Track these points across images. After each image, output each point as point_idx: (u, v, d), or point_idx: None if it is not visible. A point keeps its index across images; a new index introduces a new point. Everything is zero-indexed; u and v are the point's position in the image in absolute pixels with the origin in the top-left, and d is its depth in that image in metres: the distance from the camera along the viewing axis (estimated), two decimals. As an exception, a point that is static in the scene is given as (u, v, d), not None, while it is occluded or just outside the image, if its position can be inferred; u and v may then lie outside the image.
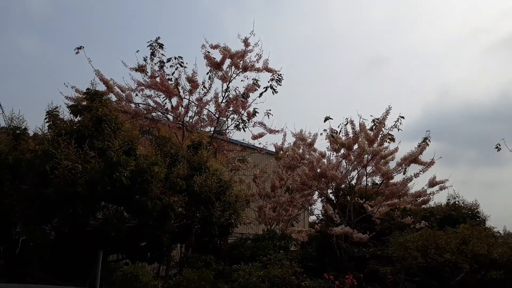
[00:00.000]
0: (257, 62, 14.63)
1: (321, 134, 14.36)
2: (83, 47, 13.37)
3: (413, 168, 13.07)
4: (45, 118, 9.01)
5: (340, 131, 14.11)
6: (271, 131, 14.89)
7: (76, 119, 9.11)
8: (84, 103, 9.59)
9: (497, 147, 8.45)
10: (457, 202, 15.20)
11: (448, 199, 15.76)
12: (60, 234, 8.36)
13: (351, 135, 13.72)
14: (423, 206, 13.74)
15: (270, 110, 15.11)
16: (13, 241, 8.63)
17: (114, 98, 13.20)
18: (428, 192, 12.83)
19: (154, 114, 14.20)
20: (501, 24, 62.95)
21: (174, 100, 14.25)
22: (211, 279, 7.57)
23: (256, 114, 15.10)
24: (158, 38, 14.64)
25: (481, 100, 56.60)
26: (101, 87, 12.58)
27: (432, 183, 12.90)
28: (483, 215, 14.61)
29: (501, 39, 62.18)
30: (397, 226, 12.98)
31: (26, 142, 8.11)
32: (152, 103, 14.04)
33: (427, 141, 13.18)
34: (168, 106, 14.25)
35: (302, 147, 14.69)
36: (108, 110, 9.05)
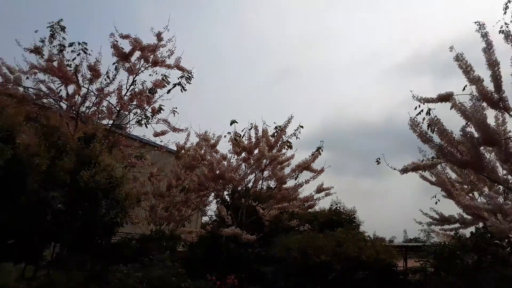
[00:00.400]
0: (169, 58, 14.30)
1: (225, 136, 14.69)
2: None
3: (305, 175, 14.10)
4: None
5: (244, 135, 14.59)
6: (174, 130, 14.70)
7: None
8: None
9: (377, 161, 9.38)
10: (338, 208, 16.67)
11: (331, 205, 17.24)
12: None
13: (253, 139, 14.26)
14: (309, 210, 14.79)
15: (176, 108, 14.94)
16: None
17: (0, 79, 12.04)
18: (315, 197, 13.90)
19: (45, 100, 13.18)
20: (396, 52, 70.11)
21: (71, 88, 13.39)
22: (81, 281, 7.29)
23: (162, 111, 14.80)
24: (61, 20, 13.61)
25: (370, 119, 62.72)
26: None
27: (319, 189, 13.99)
28: (359, 221, 16.28)
29: (395, 65, 69.23)
30: (284, 228, 13.78)
31: None
32: (44, 89, 13.02)
33: (320, 150, 14.24)
34: (63, 93, 13.34)
35: (204, 148, 14.82)
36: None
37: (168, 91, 14.91)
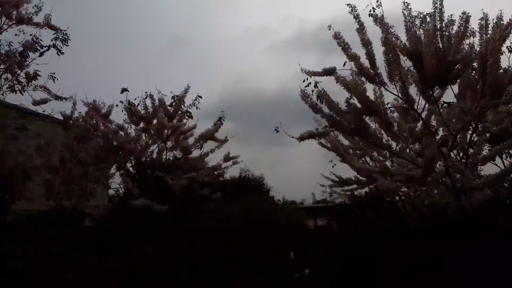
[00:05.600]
0: (36, 15, 12.26)
1: (117, 105, 13.64)
2: None
3: (210, 145, 14.04)
4: None
5: (139, 104, 13.74)
6: (57, 98, 12.78)
7: None
8: None
9: (276, 130, 9.60)
10: (247, 175, 17.16)
11: (241, 173, 17.67)
12: None
13: (150, 109, 13.56)
14: (220, 178, 14.83)
15: (54, 73, 13.02)
16: None
17: None
18: (223, 166, 13.93)
19: None
20: (282, 27, 73.78)
21: None
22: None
23: (38, 76, 12.76)
24: None
25: (268, 90, 65.69)
26: None
27: (226, 158, 14.10)
28: (268, 186, 17.06)
29: (284, 40, 72.92)
30: (195, 197, 13.55)
31: None
32: None
33: (222, 120, 14.32)
34: None
35: (96, 117, 13.51)
36: None
37: (41, 54, 12.92)
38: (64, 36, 13.15)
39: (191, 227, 11.10)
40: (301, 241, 11.64)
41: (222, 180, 15.58)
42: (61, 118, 13.27)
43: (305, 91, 8.60)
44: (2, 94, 12.63)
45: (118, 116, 13.87)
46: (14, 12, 11.77)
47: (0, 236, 8.18)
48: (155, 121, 13.67)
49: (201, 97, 14.52)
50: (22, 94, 12.65)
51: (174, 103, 14.04)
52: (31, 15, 11.97)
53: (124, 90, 13.96)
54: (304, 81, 8.67)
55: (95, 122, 13.53)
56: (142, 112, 13.70)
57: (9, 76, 12.45)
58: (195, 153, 13.96)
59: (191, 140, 14.19)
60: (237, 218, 11.40)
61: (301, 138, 9.17)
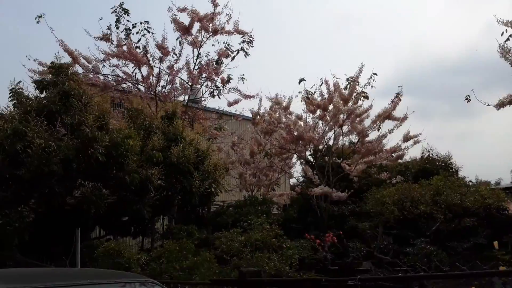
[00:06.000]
0: (227, 23, 14.18)
1: (296, 96, 14.37)
2: (44, 15, 12.62)
3: (388, 125, 13.32)
4: (9, 97, 8.58)
5: (315, 92, 14.14)
6: (246, 97, 14.72)
7: (42, 95, 8.71)
8: (49, 76, 9.14)
9: (467, 99, 8.59)
10: (431, 155, 15.67)
11: (423, 153, 16.26)
12: (38, 216, 8.19)
13: (326, 95, 13.75)
14: (399, 161, 14.12)
15: (243, 75, 14.90)
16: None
17: (80, 70, 12.69)
18: (402, 147, 13.17)
19: (124, 85, 13.75)
20: None
21: (144, 70, 13.79)
22: (193, 248, 7.65)
23: (231, 80, 14.87)
24: (122, 3, 13.92)
25: (448, 54, 57.30)
26: (66, 59, 12.01)
27: (406, 138, 13.20)
28: (456, 166, 15.17)
29: None
30: (374, 182, 13.33)
31: (-9, 123, 7.72)
32: (121, 74, 13.57)
33: (400, 96, 13.37)
34: (139, 76, 13.82)
35: (278, 111, 14.67)
36: (76, 83, 8.67)
37: (232, 58, 14.90)
38: (250, 38, 14.94)
39: (372, 213, 11.05)
40: (501, 226, 10.17)
41: (402, 162, 14.81)
42: (250, 115, 15.04)
43: (505, 45, 7.36)
44: (204, 100, 15.36)
45: (298, 107, 14.81)
46: (210, 25, 14.05)
47: (203, 224, 10.12)
48: (331, 107, 13.86)
49: (376, 74, 14.04)
50: (219, 98, 15.10)
51: (348, 86, 14.00)
52: (223, 24, 14.09)
53: (301, 80, 14.71)
54: (502, 34, 7.45)
55: (277, 115, 14.73)
56: (318, 99, 14.12)
57: (209, 83, 15.01)
58: (372, 135, 13.52)
59: (367, 122, 13.83)
60: (423, 202, 10.72)
61: (500, 105, 8.04)
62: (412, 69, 62.38)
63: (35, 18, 12.58)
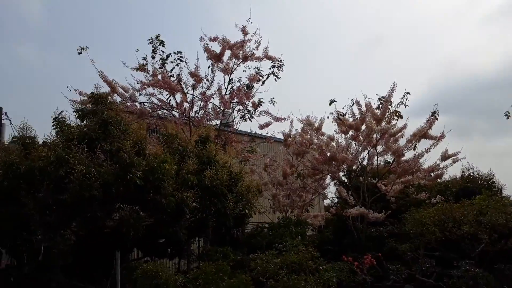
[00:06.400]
0: (257, 50, 14.62)
1: (328, 117, 14.34)
2: (87, 48, 13.39)
3: (424, 144, 12.98)
4: (52, 125, 9.08)
5: (346, 112, 14.07)
6: (277, 119, 14.91)
7: (83, 124, 9.17)
8: (89, 105, 9.63)
9: (506, 115, 8.29)
10: (472, 174, 15.06)
11: (463, 172, 15.64)
12: (80, 238, 8.48)
13: (358, 116, 13.64)
14: (438, 180, 13.65)
15: (274, 98, 15.16)
16: (35, 249, 8.78)
17: (118, 99, 13.28)
18: (441, 166, 12.71)
19: (159, 112, 14.25)
20: None
21: (178, 97, 14.30)
22: (228, 270, 7.65)
23: (262, 103, 15.14)
24: (158, 35, 14.61)
25: (486, 69, 55.43)
26: (105, 89, 12.66)
27: (444, 157, 12.78)
28: (499, 185, 14.47)
29: (498, 7, 60.64)
30: (412, 202, 12.91)
31: (36, 150, 8.18)
32: (156, 101, 14.10)
33: (436, 115, 13.04)
34: (173, 102, 14.32)
35: (309, 132, 14.66)
36: (114, 112, 9.08)
37: (263, 83, 15.23)
38: (280, 63, 15.24)
39: (412, 234, 10.68)
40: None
41: (441, 182, 14.30)
42: (282, 137, 15.15)
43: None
44: (236, 124, 15.63)
45: (329, 128, 14.77)
46: (241, 52, 14.49)
47: (238, 246, 10.11)
48: (363, 127, 13.74)
49: (409, 93, 13.78)
50: (251, 121, 15.35)
51: (380, 105, 13.85)
52: (253, 51, 14.50)
53: (332, 101, 14.70)
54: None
55: (309, 136, 14.73)
56: (350, 120, 14.05)
57: (240, 107, 15.32)
58: (408, 154, 13.18)
59: (402, 142, 13.55)
60: (466, 222, 10.26)
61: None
62: (446, 87, 60.80)
63: (77, 50, 13.36)
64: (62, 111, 9.37)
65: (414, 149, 13.02)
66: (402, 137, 13.42)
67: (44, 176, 7.63)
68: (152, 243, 9.15)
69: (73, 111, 9.48)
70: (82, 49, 13.33)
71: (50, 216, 7.63)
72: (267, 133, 15.36)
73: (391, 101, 13.37)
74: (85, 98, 11.72)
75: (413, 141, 13.06)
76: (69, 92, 12.78)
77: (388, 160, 14.22)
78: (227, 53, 14.38)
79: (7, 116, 16.68)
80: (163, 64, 14.49)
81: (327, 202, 18.52)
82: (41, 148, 8.20)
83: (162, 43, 14.51)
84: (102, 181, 7.55)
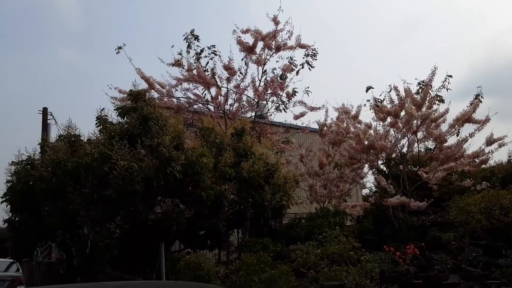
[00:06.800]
0: (289, 39, 14.48)
1: (365, 105, 13.95)
2: (124, 45, 13.77)
3: (467, 128, 12.43)
4: (96, 123, 9.45)
5: (384, 99, 13.65)
6: (312, 109, 14.74)
7: (123, 120, 9.47)
8: (129, 102, 9.91)
9: None
10: (520, 158, 14.32)
11: (510, 156, 14.89)
12: (124, 232, 8.82)
13: (396, 102, 13.21)
14: (483, 166, 13.05)
15: (308, 87, 15.00)
16: (83, 242, 9.22)
17: (156, 95, 13.60)
18: (486, 151, 12.12)
19: (195, 106, 14.46)
20: None
21: (213, 90, 14.45)
22: (270, 261, 7.71)
23: (295, 93, 15.02)
24: (193, 30, 14.75)
25: None
26: (143, 85, 12.98)
27: (489, 141, 12.17)
28: (552, 169, 13.64)
29: None
30: (456, 190, 12.43)
31: (82, 147, 8.54)
32: (192, 96, 14.31)
33: (480, 97, 12.43)
34: (208, 97, 14.49)
35: (346, 120, 14.39)
36: (152, 108, 9.32)
37: (297, 73, 15.06)
38: (313, 51, 15.03)
39: (456, 222, 10.31)
40: None
41: (486, 168, 13.66)
42: (317, 126, 14.97)
43: None
44: (271, 115, 15.61)
45: (366, 115, 14.43)
46: (273, 42, 14.41)
47: (277, 237, 10.17)
48: (402, 113, 13.34)
49: (451, 76, 13.23)
50: (286, 112, 15.27)
51: (420, 90, 13.38)
52: (285, 40, 14.38)
53: (368, 88, 14.31)
54: None
55: (345, 125, 14.47)
56: (388, 106, 13.65)
57: (275, 98, 15.27)
58: (451, 140, 12.68)
59: (444, 127, 13.03)
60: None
61: None
62: (489, 69, 57.93)
63: (115, 49, 13.78)
64: (104, 109, 9.74)
65: (457, 135, 12.46)
66: (444, 122, 12.87)
67: (89, 173, 7.98)
68: (193, 235, 9.39)
69: (114, 109, 9.82)
70: (120, 48, 13.73)
71: (96, 210, 7.97)
72: (302, 123, 15.26)
73: (431, 85, 12.83)
74: (124, 95, 12.08)
75: (456, 126, 12.49)
76: (109, 90, 13.25)
77: (429, 147, 13.74)
78: (260, 44, 14.34)
79: (52, 116, 17.56)
80: (197, 59, 14.64)
81: (365, 191, 18.22)
82: (86, 146, 8.55)
83: (196, 38, 14.65)
84: (143, 176, 7.81)
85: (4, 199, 9.17)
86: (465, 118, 12.26)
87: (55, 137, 10.82)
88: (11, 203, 9.12)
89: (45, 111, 17.50)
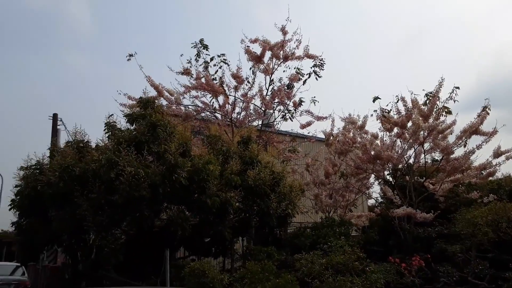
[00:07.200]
0: (297, 49, 14.56)
1: (371, 115, 13.94)
2: (136, 53, 13.95)
3: (475, 140, 12.35)
4: (104, 129, 9.56)
5: (391, 109, 13.65)
6: (318, 118, 14.76)
7: (132, 127, 9.57)
8: (138, 109, 10.02)
9: None
10: (527, 171, 14.18)
11: (517, 169, 14.73)
12: (129, 237, 8.87)
13: (403, 112, 13.18)
14: (490, 178, 12.94)
15: (315, 97, 15.03)
16: (88, 247, 9.27)
17: (164, 102, 13.72)
18: (493, 163, 12.03)
19: (203, 114, 14.56)
20: None
21: (221, 99, 14.54)
22: (274, 270, 7.70)
23: (302, 103, 15.07)
24: (202, 39, 14.92)
25: None
26: (152, 93, 13.13)
27: (497, 154, 12.08)
28: (560, 183, 13.47)
29: None
30: (462, 202, 12.33)
31: (90, 153, 8.64)
32: (200, 104, 14.43)
33: (487, 109, 12.37)
34: (216, 105, 14.58)
35: (352, 130, 14.38)
36: (161, 115, 9.41)
37: (304, 82, 15.12)
38: (321, 61, 15.11)
39: (463, 235, 10.22)
40: None
41: (494, 180, 13.54)
42: (323, 136, 14.98)
43: None
44: (277, 124, 15.66)
45: (373, 126, 14.40)
46: (281, 52, 14.51)
47: (281, 246, 10.14)
48: (409, 124, 13.31)
49: (458, 88, 13.19)
50: (292, 121, 15.32)
51: (428, 101, 13.35)
52: (293, 50, 14.48)
53: (375, 98, 14.31)
54: None
55: (352, 135, 14.46)
56: (395, 117, 13.63)
57: (281, 107, 15.33)
58: (458, 152, 12.61)
59: (451, 139, 12.97)
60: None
61: None
62: (496, 81, 57.61)
63: (126, 57, 13.96)
64: (112, 115, 9.86)
65: (465, 146, 12.36)
66: (451, 134, 12.81)
67: (96, 178, 8.06)
68: (198, 242, 9.41)
69: (123, 116, 9.93)
70: (131, 55, 13.91)
71: (102, 216, 8.03)
72: (308, 133, 15.29)
73: (439, 97, 12.79)
74: (134, 102, 12.21)
75: (463, 138, 12.39)
76: (119, 96, 13.41)
77: (436, 158, 13.66)
78: (268, 54, 14.45)
79: (62, 122, 17.80)
80: (206, 68, 14.79)
81: (371, 202, 18.12)
82: (94, 152, 8.64)
83: (206, 47, 14.81)
84: (149, 182, 7.87)
85: (12, 205, 9.30)
86: (473, 130, 12.19)
87: (63, 143, 10.96)
88: (19, 208, 9.24)
89: (55, 117, 17.74)
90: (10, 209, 9.47)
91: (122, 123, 9.89)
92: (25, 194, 8.88)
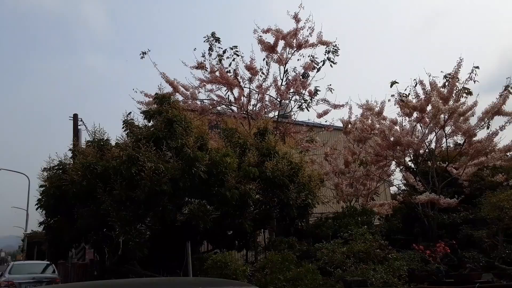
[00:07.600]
0: (310, 36, 14.40)
1: (389, 100, 13.67)
2: (149, 51, 14.09)
3: (498, 121, 11.97)
4: (123, 127, 9.73)
5: (409, 94, 13.36)
6: (335, 107, 14.60)
7: (149, 124, 9.71)
8: (154, 106, 10.15)
9: None
10: (555, 151, 13.63)
11: (546, 149, 14.17)
12: (153, 232, 9.03)
13: (422, 96, 12.91)
14: (516, 160, 12.60)
15: (331, 85, 14.86)
16: (115, 243, 9.49)
17: (180, 98, 13.83)
18: (520, 144, 11.70)
19: (219, 108, 14.62)
20: None
21: (236, 91, 14.55)
22: (294, 259, 7.71)
23: (318, 91, 14.92)
24: (214, 33, 14.93)
25: None
26: (167, 89, 13.25)
27: (522, 134, 11.73)
28: None
29: None
30: (487, 186, 12.01)
31: (110, 151, 8.82)
32: (215, 97, 14.48)
33: (509, 88, 11.98)
34: (231, 98, 14.61)
35: (370, 117, 14.17)
36: (177, 111, 9.50)
37: (318, 70, 14.96)
38: (335, 47, 14.90)
39: (488, 220, 9.99)
40: None
41: (520, 162, 13.15)
42: (341, 124, 14.82)
43: None
44: (294, 114, 15.58)
45: (391, 111, 14.14)
46: (294, 41, 14.38)
47: (304, 236, 10.13)
48: (429, 108, 13.02)
49: (478, 67, 12.79)
50: (308, 110, 15.21)
51: (447, 83, 13.02)
52: (307, 37, 14.32)
53: (393, 83, 14.03)
54: None
55: (370, 121, 14.25)
56: (414, 101, 13.36)
57: (297, 97, 15.23)
58: (481, 134, 12.25)
59: (473, 121, 12.60)
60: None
61: None
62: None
63: (140, 54, 14.12)
64: (130, 112, 10.03)
65: (487, 128, 11.99)
66: (473, 116, 12.40)
67: (117, 175, 8.22)
68: (220, 236, 9.51)
69: (140, 113, 10.08)
70: (144, 53, 14.05)
71: (125, 211, 8.20)
72: (325, 122, 15.14)
73: (458, 78, 12.41)
74: (150, 99, 12.35)
75: (486, 119, 12.02)
76: (135, 94, 13.61)
77: (459, 142, 13.33)
78: (281, 43, 14.35)
79: (83, 122, 18.17)
80: (220, 61, 14.81)
81: (393, 189, 17.87)
82: (114, 149, 8.82)
83: (218, 39, 14.82)
84: (170, 176, 7.99)
85: (39, 205, 9.60)
86: (495, 111, 11.81)
87: (84, 142, 11.22)
88: (45, 208, 9.52)
89: (75, 118, 18.12)
90: (36, 209, 9.79)
91: (140, 120, 10.06)
92: (50, 194, 9.14)
